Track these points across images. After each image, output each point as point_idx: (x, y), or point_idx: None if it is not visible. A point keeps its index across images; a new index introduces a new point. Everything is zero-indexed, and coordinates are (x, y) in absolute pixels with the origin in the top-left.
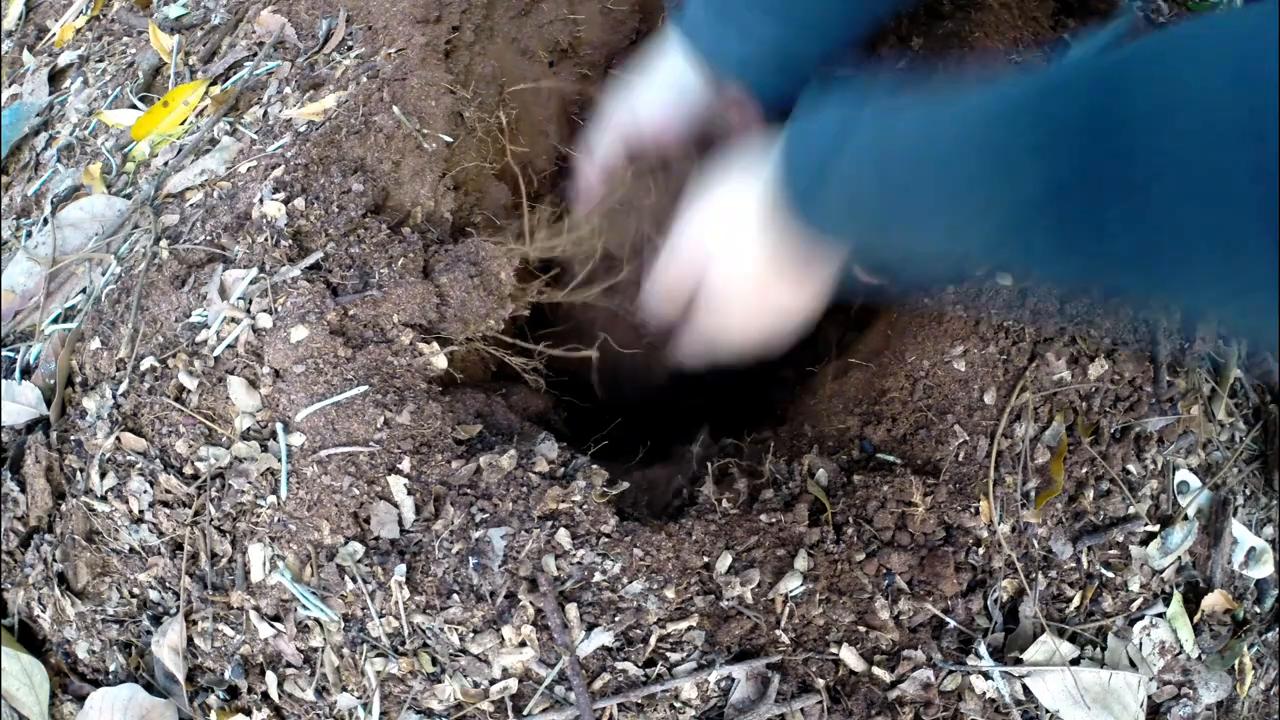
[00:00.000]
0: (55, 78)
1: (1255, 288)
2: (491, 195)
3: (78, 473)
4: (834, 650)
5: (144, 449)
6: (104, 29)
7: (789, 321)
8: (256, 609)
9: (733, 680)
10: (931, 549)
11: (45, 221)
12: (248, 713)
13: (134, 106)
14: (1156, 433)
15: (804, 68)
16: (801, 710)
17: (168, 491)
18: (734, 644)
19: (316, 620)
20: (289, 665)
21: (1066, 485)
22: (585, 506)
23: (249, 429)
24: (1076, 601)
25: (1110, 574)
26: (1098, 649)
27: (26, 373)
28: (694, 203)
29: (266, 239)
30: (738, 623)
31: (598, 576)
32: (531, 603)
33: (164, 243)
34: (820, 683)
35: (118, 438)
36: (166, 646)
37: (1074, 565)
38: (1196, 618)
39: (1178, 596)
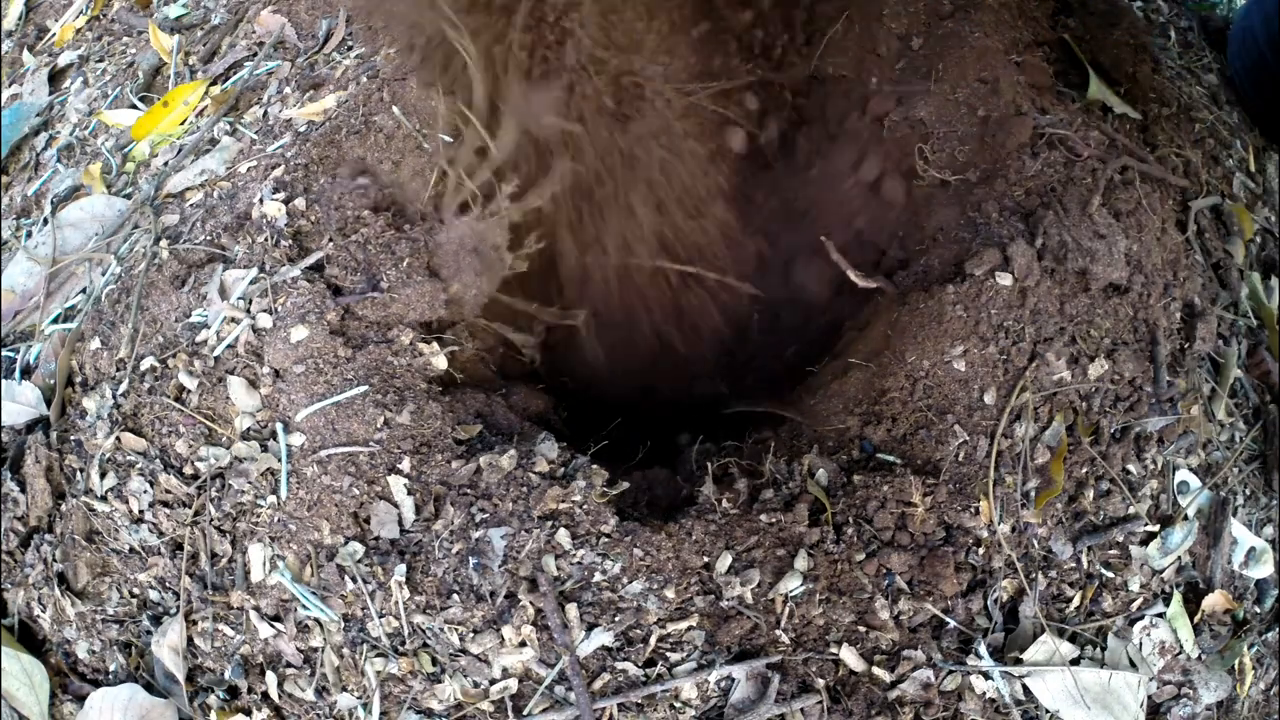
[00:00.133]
0: (55, 78)
1: None
2: None
3: (78, 473)
4: (834, 650)
5: (144, 449)
6: (104, 29)
7: None
8: (256, 609)
9: (733, 680)
10: (931, 549)
11: (45, 221)
12: (248, 713)
13: (134, 106)
14: (1156, 433)
15: None
16: (801, 710)
17: (168, 491)
18: (734, 644)
19: (316, 620)
20: (289, 665)
21: (1066, 485)
22: (585, 506)
23: (249, 429)
24: (1076, 601)
25: (1110, 574)
26: (1098, 649)
27: (26, 373)
28: None
29: (266, 239)
30: (738, 623)
31: (598, 576)
32: (531, 603)
33: (164, 243)
34: (820, 683)
35: (118, 438)
36: (166, 646)
37: (1074, 565)
38: (1196, 618)
39: (1178, 596)
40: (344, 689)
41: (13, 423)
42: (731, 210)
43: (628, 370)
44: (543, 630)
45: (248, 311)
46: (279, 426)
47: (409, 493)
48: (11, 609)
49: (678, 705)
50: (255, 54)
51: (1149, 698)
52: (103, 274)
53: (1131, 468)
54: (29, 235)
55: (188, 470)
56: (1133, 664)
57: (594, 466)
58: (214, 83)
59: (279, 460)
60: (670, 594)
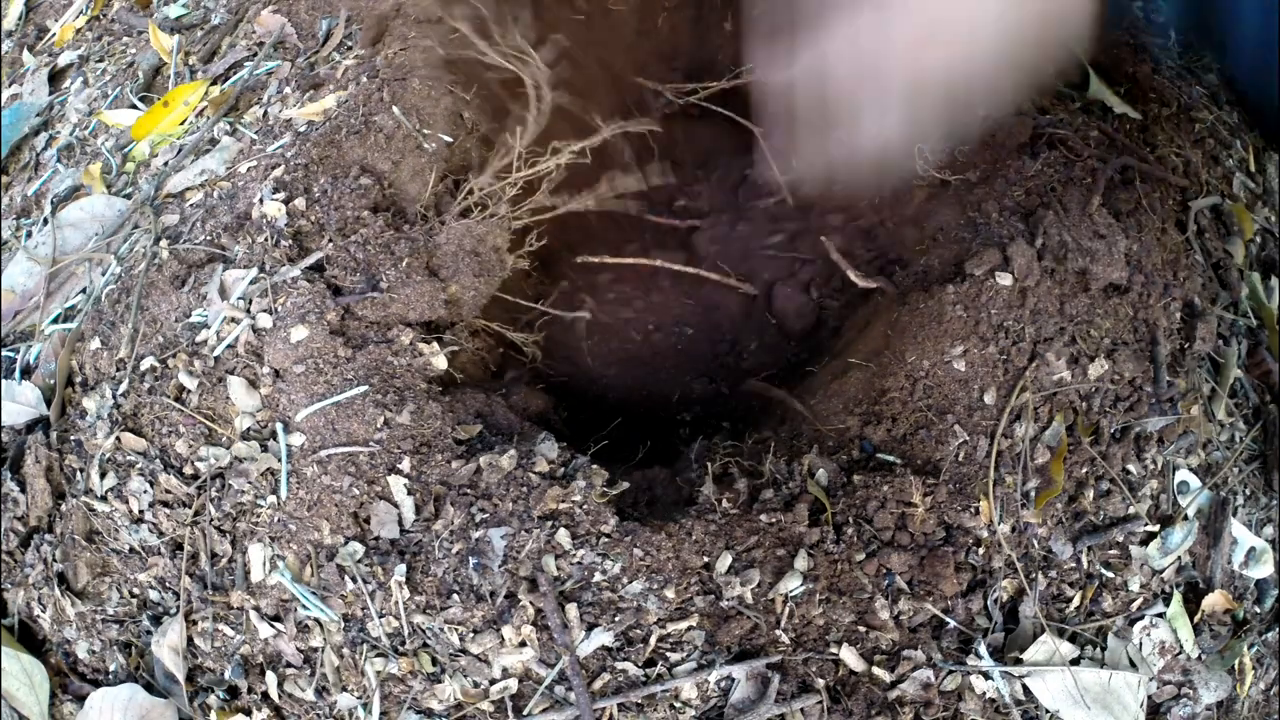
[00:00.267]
0: (55, 78)
1: None
2: None
3: (78, 473)
4: (834, 650)
5: (144, 449)
6: (104, 29)
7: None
8: (256, 609)
9: (733, 680)
10: (931, 549)
11: (45, 221)
12: (248, 713)
13: (134, 106)
14: (1156, 433)
15: None
16: (801, 710)
17: (168, 491)
18: (734, 644)
19: (316, 620)
20: (289, 665)
21: (1066, 485)
22: (585, 506)
23: (249, 429)
24: (1076, 601)
25: (1110, 574)
26: (1098, 649)
27: (26, 373)
28: None
29: (266, 239)
30: (738, 623)
31: (598, 576)
32: (531, 603)
33: (164, 243)
34: (820, 683)
35: (118, 438)
36: (166, 646)
37: (1074, 565)
38: (1196, 618)
39: (1178, 596)
40: (344, 689)
41: (13, 423)
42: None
43: (627, 370)
44: (543, 630)
45: (248, 311)
46: (279, 426)
47: (409, 493)
48: (11, 609)
49: (678, 705)
50: (255, 54)
51: (1149, 698)
52: (103, 274)
53: (1131, 468)
54: (29, 235)
55: (188, 470)
56: (1133, 664)
57: (594, 466)
58: (214, 83)
59: (279, 460)
60: (670, 594)
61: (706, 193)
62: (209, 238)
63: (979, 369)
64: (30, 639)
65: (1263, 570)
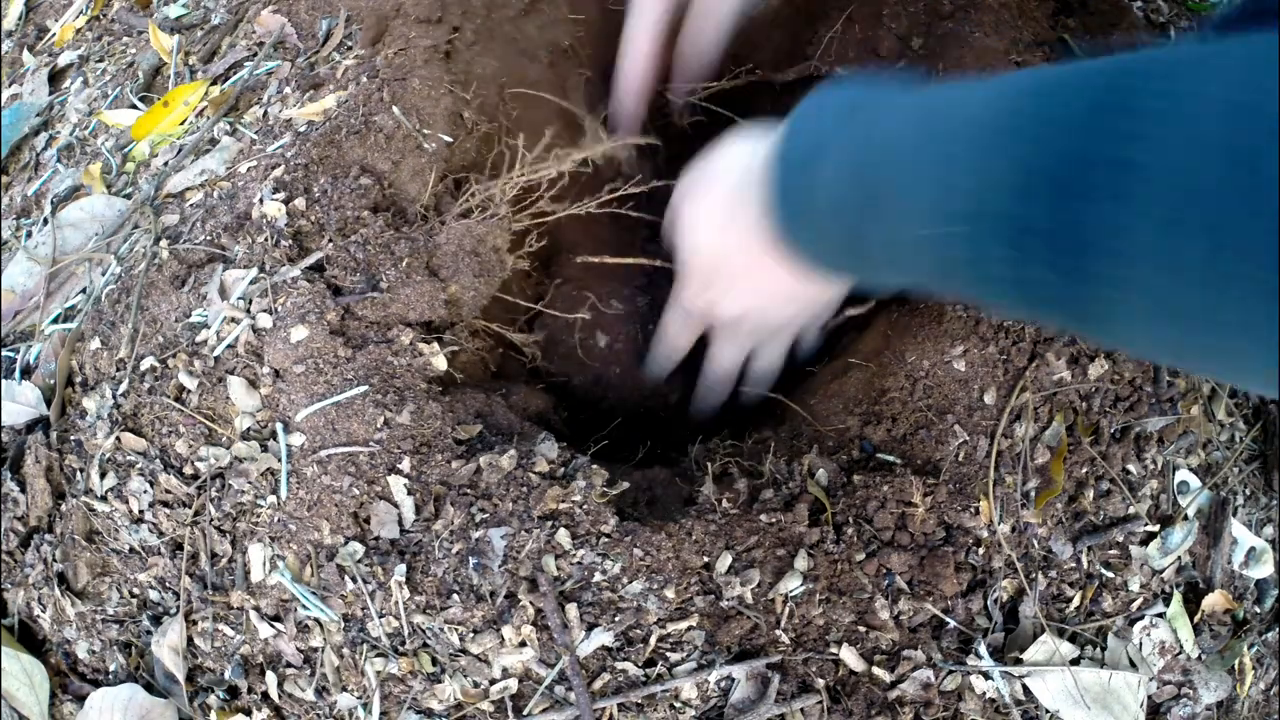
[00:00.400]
0: (55, 78)
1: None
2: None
3: (78, 473)
4: (834, 650)
5: (144, 449)
6: (104, 29)
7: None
8: (256, 609)
9: (733, 680)
10: (931, 549)
11: (45, 221)
12: (248, 713)
13: (134, 106)
14: (1156, 433)
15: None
16: (801, 710)
17: (168, 491)
18: (734, 644)
19: (316, 620)
20: (289, 665)
21: (1066, 485)
22: (585, 506)
23: (249, 429)
24: (1076, 601)
25: (1110, 574)
26: (1098, 649)
27: (26, 373)
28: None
29: (266, 239)
30: (738, 623)
31: (598, 576)
32: (531, 603)
33: (164, 243)
34: (820, 683)
35: (118, 438)
36: (166, 646)
37: (1074, 565)
38: (1196, 618)
39: (1178, 596)
40: (344, 689)
41: (13, 423)
42: None
43: (627, 370)
44: (543, 630)
45: (248, 311)
46: (279, 426)
47: (409, 493)
48: (11, 609)
49: (678, 705)
50: (255, 54)
51: (1149, 698)
52: (103, 274)
53: (1131, 468)
54: (29, 235)
55: (188, 470)
56: (1133, 664)
57: (594, 466)
58: (214, 83)
59: (279, 460)
60: (670, 594)
61: None
62: (209, 238)
63: (979, 369)
64: (30, 639)
65: (1263, 570)
